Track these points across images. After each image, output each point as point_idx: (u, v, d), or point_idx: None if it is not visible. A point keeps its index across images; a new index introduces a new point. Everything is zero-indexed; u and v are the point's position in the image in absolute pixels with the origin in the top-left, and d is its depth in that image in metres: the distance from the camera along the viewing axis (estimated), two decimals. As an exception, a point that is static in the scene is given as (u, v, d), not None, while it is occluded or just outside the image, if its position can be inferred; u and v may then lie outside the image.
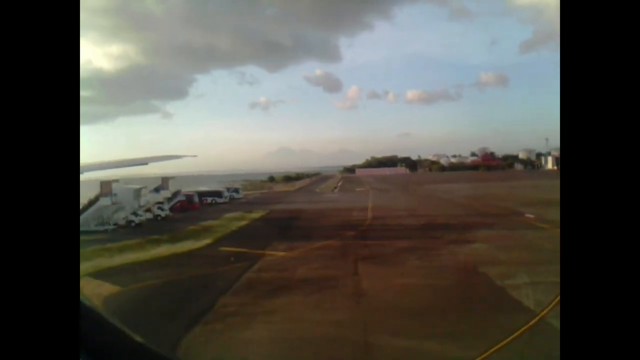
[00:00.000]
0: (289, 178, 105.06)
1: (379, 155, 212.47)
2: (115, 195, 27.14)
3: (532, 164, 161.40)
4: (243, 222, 28.07)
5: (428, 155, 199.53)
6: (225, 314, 9.97)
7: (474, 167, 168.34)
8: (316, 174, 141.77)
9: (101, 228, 26.89)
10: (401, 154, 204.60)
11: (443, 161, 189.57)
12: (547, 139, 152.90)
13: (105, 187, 27.14)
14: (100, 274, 14.63)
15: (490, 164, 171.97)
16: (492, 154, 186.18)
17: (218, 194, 45.43)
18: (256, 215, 32.56)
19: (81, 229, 26.55)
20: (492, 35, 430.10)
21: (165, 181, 33.28)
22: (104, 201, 26.79)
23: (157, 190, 32.22)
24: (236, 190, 50.86)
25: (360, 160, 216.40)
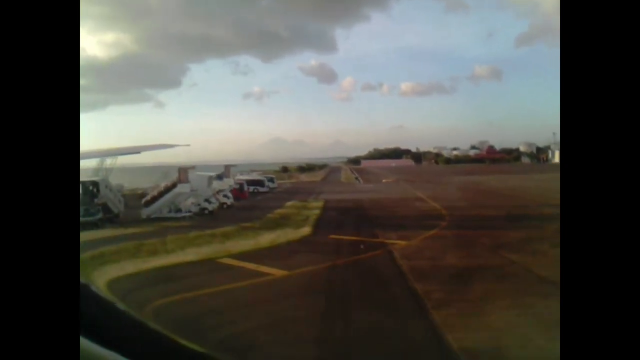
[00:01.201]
0: (302, 169, 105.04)
1: (381, 147, 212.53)
2: (190, 182, 27.15)
3: (538, 157, 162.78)
4: (315, 212, 28.18)
5: (429, 147, 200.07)
6: (444, 302, 10.20)
7: (478, 160, 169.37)
8: (323, 165, 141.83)
9: (177, 215, 26.99)
10: (398, 146, 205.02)
11: (445, 153, 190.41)
12: (554, 133, 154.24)
13: (183, 173, 27.15)
14: (247, 257, 14.90)
15: (494, 157, 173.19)
16: (491, 146, 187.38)
17: (260, 183, 45.56)
18: (317, 204, 32.72)
19: (154, 215, 26.66)
20: (488, 28, 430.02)
21: (227, 169, 33.27)
22: (183, 188, 26.80)
23: (219, 177, 32.22)
24: (272, 180, 50.93)
25: (357, 152, 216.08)
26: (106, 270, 14.71)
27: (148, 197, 27.57)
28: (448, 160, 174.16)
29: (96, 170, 38.89)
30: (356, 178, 76.13)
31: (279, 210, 29.43)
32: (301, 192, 45.38)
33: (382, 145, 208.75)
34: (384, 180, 65.04)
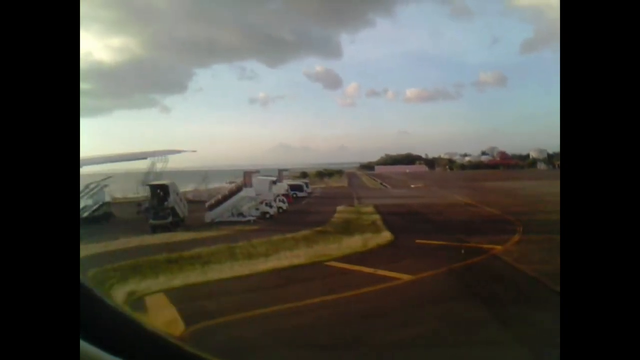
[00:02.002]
0: (321, 174, 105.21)
1: (393, 152, 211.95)
2: (254, 186, 27.30)
3: (553, 163, 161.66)
4: (374, 216, 28.09)
5: (437, 153, 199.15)
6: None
7: (492, 166, 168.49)
8: (339, 171, 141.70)
9: (241, 219, 27.07)
10: (409, 152, 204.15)
11: (456, 159, 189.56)
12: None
13: (248, 177, 27.31)
14: (354, 260, 14.89)
15: (508, 163, 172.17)
16: (504, 153, 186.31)
17: (299, 187, 45.67)
18: (368, 209, 32.65)
19: (218, 219, 26.75)
20: (493, 34, 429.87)
21: (280, 174, 33.40)
22: (248, 192, 26.93)
23: (274, 182, 32.37)
24: (307, 185, 51.03)
25: (361, 158, 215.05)
26: (220, 269, 14.83)
27: (212, 201, 27.70)
28: (463, 166, 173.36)
29: (147, 174, 39.35)
30: (381, 183, 75.96)
31: (337, 215, 29.45)
32: (339, 197, 45.36)
33: (391, 151, 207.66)
34: (412, 186, 64.86)
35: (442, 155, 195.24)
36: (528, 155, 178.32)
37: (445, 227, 23.72)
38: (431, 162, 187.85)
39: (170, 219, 25.22)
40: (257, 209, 28.25)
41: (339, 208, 34.02)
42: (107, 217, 31.16)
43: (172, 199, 25.88)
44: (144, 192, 37.72)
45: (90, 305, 1.19)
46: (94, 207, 30.69)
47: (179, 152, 14.11)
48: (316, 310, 10.41)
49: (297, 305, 10.59)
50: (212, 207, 27.34)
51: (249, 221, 26.75)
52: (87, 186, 30.59)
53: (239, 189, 27.20)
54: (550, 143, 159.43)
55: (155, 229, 24.50)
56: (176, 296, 11.88)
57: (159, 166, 38.37)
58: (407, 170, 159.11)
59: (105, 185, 32.16)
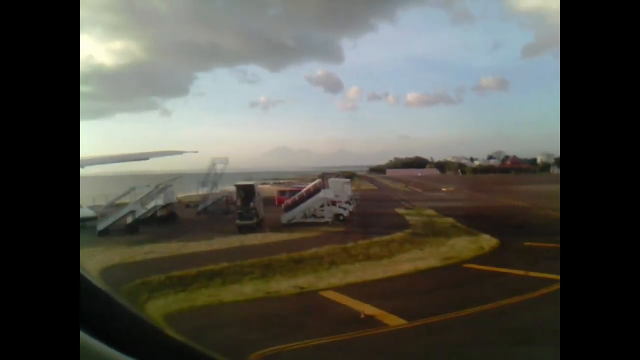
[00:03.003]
0: (348, 176, 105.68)
1: (402, 156, 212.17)
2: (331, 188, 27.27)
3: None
4: (447, 219, 28.02)
5: (441, 157, 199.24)
6: None
7: (504, 170, 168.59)
8: (353, 174, 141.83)
9: (319, 220, 27.00)
10: (418, 155, 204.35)
11: (466, 163, 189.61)
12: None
13: (325, 179, 27.29)
14: (491, 263, 14.84)
15: (520, 167, 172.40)
16: (507, 156, 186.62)
17: (345, 190, 45.63)
18: (430, 212, 32.60)
19: (294, 220, 26.67)
20: (494, 39, 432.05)
21: (348, 176, 33.29)
22: (326, 193, 26.89)
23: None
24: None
25: (360, 162, 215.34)
26: (362, 269, 14.81)
27: (289, 202, 27.62)
28: (475, 170, 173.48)
29: (206, 175, 39.36)
30: (405, 186, 76.04)
31: (408, 217, 29.42)
32: (384, 200, 45.40)
33: (397, 155, 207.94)
34: (444, 189, 64.85)
35: (450, 159, 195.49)
36: (535, 160, 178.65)
37: (531, 229, 23.63)
38: (442, 166, 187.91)
39: (256, 220, 25.16)
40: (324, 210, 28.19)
41: (399, 210, 34.00)
42: (173, 218, 31.10)
43: (256, 200, 25.83)
44: (200, 193, 37.99)
45: (90, 298, 1.20)
46: (164, 208, 30.64)
47: (180, 153, 14.30)
48: (521, 309, 10.35)
49: (501, 305, 10.56)
50: (288, 208, 27.26)
51: (326, 223, 26.67)
52: (156, 186, 30.52)
53: (316, 190, 27.14)
54: (555, 147, 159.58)
55: (241, 229, 24.43)
56: (358, 292, 11.87)
57: (219, 167, 38.63)
58: (419, 174, 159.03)
59: (170, 186, 32.10)
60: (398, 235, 21.81)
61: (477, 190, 60.92)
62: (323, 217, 27.69)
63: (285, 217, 26.86)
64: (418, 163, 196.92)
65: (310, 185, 28.16)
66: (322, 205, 27.81)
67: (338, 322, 9.93)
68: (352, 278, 13.68)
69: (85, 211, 31.16)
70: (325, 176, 27.58)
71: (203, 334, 9.17)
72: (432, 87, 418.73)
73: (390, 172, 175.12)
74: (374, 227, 25.54)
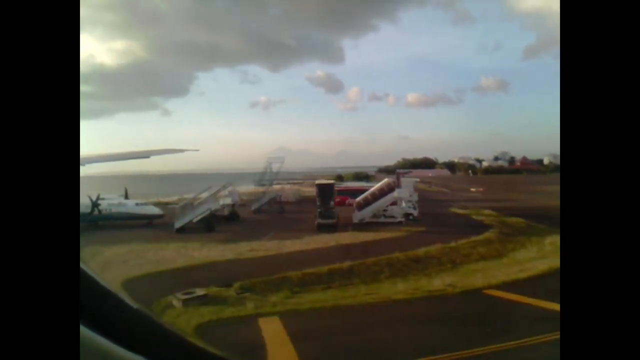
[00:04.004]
0: (358, 177, 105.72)
1: (407, 157, 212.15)
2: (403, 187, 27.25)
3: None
4: (515, 220, 28.05)
5: (450, 157, 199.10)
6: None
7: (515, 170, 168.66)
8: (365, 174, 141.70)
9: (392, 220, 27.00)
10: (426, 156, 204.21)
11: (473, 163, 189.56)
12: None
13: (399, 178, 27.30)
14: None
15: (531, 168, 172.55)
16: (512, 157, 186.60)
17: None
18: (487, 212, 32.56)
19: (366, 219, 26.65)
20: (494, 40, 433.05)
21: (406, 176, 33.34)
22: (401, 192, 26.89)
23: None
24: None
25: (361, 162, 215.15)
26: (498, 267, 14.79)
27: (360, 201, 27.59)
28: (486, 171, 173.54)
29: (262, 174, 39.38)
30: (429, 187, 76.02)
31: (475, 217, 29.42)
32: (427, 200, 45.35)
33: (400, 156, 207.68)
34: (472, 190, 64.85)
35: (456, 160, 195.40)
36: (542, 160, 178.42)
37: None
38: (451, 166, 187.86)
39: (336, 219, 25.14)
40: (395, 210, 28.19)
41: (458, 211, 34.02)
42: (237, 217, 31.09)
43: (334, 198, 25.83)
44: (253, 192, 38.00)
45: (89, 293, 1.20)
46: (229, 207, 30.63)
47: (181, 151, 14.36)
48: None
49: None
50: (360, 207, 27.23)
51: (400, 222, 26.66)
52: (224, 186, 30.52)
53: (390, 189, 27.12)
54: (551, 148, 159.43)
55: (321, 228, 24.42)
56: (522, 290, 11.85)
57: (275, 167, 38.64)
58: (430, 174, 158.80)
59: (232, 185, 32.11)
60: (489, 235, 21.85)
61: (507, 190, 60.90)
62: (393, 216, 27.68)
63: (357, 216, 26.83)
64: (426, 163, 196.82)
65: (381, 184, 28.10)
66: (393, 205, 27.81)
67: (543, 320, 9.90)
68: (499, 277, 13.68)
69: (151, 209, 31.23)
70: (398, 175, 27.52)
71: (419, 327, 9.15)
72: (432, 87, 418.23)
73: (400, 172, 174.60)
74: (450, 227, 25.55)
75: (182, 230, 25.59)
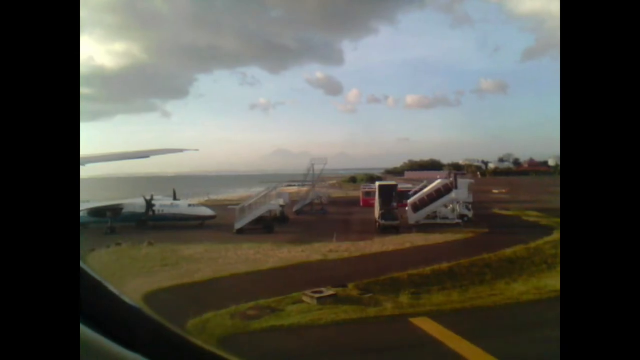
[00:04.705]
0: (372, 179, 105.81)
1: (416, 158, 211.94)
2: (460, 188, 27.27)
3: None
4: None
5: (455, 159, 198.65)
6: None
7: (523, 172, 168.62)
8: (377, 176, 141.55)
9: (450, 221, 27.00)
10: (432, 158, 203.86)
11: (478, 165, 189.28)
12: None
13: (455, 179, 27.33)
14: None
15: (539, 170, 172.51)
16: (516, 159, 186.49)
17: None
18: (534, 213, 32.59)
19: (422, 220, 26.65)
20: (494, 42, 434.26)
21: (457, 177, 33.23)
22: (458, 193, 26.92)
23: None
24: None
25: (361, 164, 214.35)
26: None
27: (415, 201, 27.59)
28: (494, 173, 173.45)
29: (305, 175, 39.40)
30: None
31: (525, 219, 29.43)
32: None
33: (414, 157, 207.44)
34: (495, 191, 64.88)
35: (461, 162, 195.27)
36: (546, 162, 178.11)
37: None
38: (459, 169, 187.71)
39: (399, 220, 25.16)
40: (453, 211, 28.21)
41: (504, 212, 34.02)
42: (287, 219, 31.08)
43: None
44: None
45: (90, 292, 1.21)
46: (279, 208, 30.65)
47: (180, 150, 14.43)
48: None
49: None
50: (416, 208, 27.23)
51: (457, 224, 26.67)
52: (274, 187, 30.57)
53: (447, 190, 27.12)
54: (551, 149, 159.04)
55: (384, 230, 24.44)
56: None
57: (318, 167, 38.67)
58: (438, 176, 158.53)
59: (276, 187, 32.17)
60: (557, 236, 21.83)
61: (527, 192, 60.94)
62: (447, 217, 27.70)
63: (413, 218, 26.84)
64: (432, 165, 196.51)
65: (437, 184, 28.08)
66: (448, 206, 27.84)
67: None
68: None
69: (203, 210, 31.27)
70: (455, 175, 27.56)
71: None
72: (431, 89, 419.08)
73: (409, 174, 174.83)
74: (510, 227, 25.62)
75: (241, 231, 25.63)
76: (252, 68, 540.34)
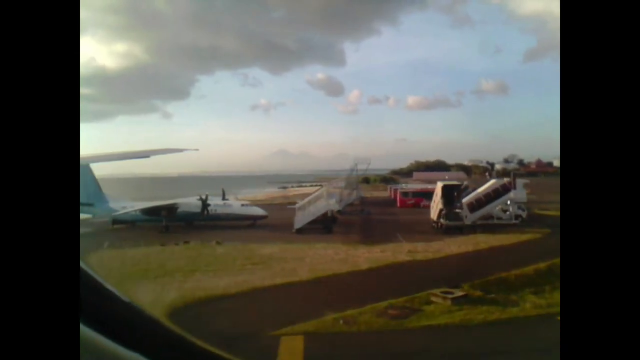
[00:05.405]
0: (385, 180, 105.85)
1: (422, 159, 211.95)
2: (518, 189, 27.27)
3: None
4: None
5: (460, 160, 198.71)
6: None
7: (531, 173, 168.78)
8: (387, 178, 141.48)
9: (508, 222, 26.99)
10: (438, 158, 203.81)
11: (486, 167, 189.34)
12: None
13: (514, 179, 27.34)
14: None
15: (547, 171, 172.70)
16: (521, 160, 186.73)
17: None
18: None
19: (479, 221, 26.64)
20: (495, 43, 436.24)
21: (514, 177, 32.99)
22: (517, 194, 26.92)
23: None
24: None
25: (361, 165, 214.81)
26: None
27: (472, 201, 27.57)
28: (503, 173, 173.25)
29: (349, 175, 39.39)
30: (467, 188, 76.09)
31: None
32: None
33: (420, 158, 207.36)
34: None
35: (467, 163, 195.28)
36: (551, 163, 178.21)
37: None
38: (467, 169, 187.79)
39: (463, 221, 25.14)
40: (506, 211, 28.21)
41: (542, 212, 34.03)
42: (336, 219, 31.05)
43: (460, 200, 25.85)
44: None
45: (90, 292, 1.21)
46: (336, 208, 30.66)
47: (181, 150, 14.43)
48: None
49: None
50: (473, 208, 27.19)
51: (515, 224, 26.67)
52: (330, 186, 30.62)
53: (505, 190, 27.10)
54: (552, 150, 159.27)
55: (448, 230, 24.42)
56: None
57: (362, 167, 38.66)
58: (447, 177, 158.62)
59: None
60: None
61: (550, 192, 60.87)
62: (501, 218, 27.70)
63: (470, 218, 26.78)
64: (439, 166, 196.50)
65: (494, 184, 28.03)
66: (504, 206, 27.83)
67: None
68: None
69: (256, 210, 31.29)
70: (514, 176, 27.55)
71: None
72: (433, 90, 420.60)
73: (418, 175, 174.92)
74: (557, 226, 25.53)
75: (300, 231, 25.62)
76: (253, 69, 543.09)
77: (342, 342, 9.54)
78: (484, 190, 28.07)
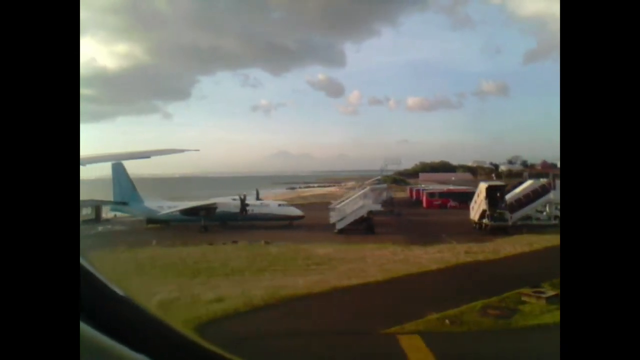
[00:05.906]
0: (395, 181, 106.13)
1: (427, 160, 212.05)
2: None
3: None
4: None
5: (467, 161, 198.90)
6: None
7: (538, 174, 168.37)
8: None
9: (549, 222, 26.98)
10: (443, 159, 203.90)
11: (491, 168, 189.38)
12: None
13: (553, 179, 27.34)
14: None
15: (553, 172, 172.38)
16: (525, 161, 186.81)
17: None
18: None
19: (519, 221, 26.64)
20: (495, 44, 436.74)
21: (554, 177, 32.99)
22: (556, 195, 26.91)
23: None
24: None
25: (361, 166, 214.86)
26: None
27: (512, 202, 27.57)
28: (509, 175, 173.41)
29: (379, 176, 39.42)
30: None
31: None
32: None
33: (425, 159, 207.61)
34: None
35: (470, 164, 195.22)
36: (555, 164, 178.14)
37: None
38: (473, 170, 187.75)
39: (508, 221, 25.16)
40: (542, 212, 28.23)
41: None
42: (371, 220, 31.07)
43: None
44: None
45: (90, 290, 1.21)
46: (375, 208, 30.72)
47: (181, 151, 14.47)
48: None
49: None
50: (513, 208, 27.19)
51: (555, 225, 26.62)
52: (374, 186, 30.74)
53: (545, 191, 27.10)
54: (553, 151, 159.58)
55: (493, 231, 24.43)
56: None
57: (392, 167, 38.70)
58: (453, 178, 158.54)
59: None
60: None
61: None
62: (539, 218, 27.71)
63: (512, 219, 26.80)
64: (444, 167, 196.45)
65: (533, 185, 28.04)
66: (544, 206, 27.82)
67: None
68: None
69: (292, 210, 31.34)
70: (554, 176, 27.55)
71: None
72: (433, 91, 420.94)
73: (425, 176, 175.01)
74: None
75: (342, 231, 25.64)
76: (254, 70, 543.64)
77: (455, 342, 9.54)
78: (522, 190, 28.06)
